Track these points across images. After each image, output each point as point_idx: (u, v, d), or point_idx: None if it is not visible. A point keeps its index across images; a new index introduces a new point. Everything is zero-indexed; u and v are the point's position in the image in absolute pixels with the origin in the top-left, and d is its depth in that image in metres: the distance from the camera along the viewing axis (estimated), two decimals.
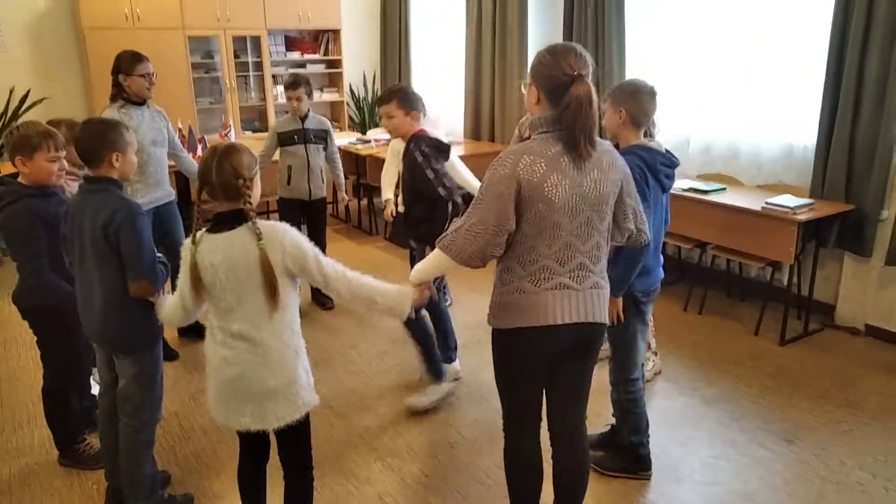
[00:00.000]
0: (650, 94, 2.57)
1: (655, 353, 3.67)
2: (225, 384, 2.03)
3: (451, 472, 2.88)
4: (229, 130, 5.84)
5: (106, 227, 2.23)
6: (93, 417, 2.97)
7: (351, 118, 8.00)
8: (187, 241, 2.01)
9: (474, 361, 3.73)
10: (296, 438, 2.14)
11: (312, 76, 7.05)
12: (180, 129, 5.30)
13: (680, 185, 4.39)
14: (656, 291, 2.71)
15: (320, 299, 4.62)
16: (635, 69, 5.22)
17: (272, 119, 7.28)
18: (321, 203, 4.50)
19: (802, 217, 3.78)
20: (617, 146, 2.38)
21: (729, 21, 4.60)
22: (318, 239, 4.29)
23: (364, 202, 6.72)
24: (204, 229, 1.99)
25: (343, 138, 6.52)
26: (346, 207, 6.84)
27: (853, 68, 3.84)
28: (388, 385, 3.62)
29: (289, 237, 1.98)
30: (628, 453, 2.82)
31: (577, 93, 1.86)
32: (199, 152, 5.34)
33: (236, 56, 7.00)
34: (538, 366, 2.09)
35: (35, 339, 2.80)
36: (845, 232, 4.03)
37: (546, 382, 2.15)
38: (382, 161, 4.48)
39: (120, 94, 3.70)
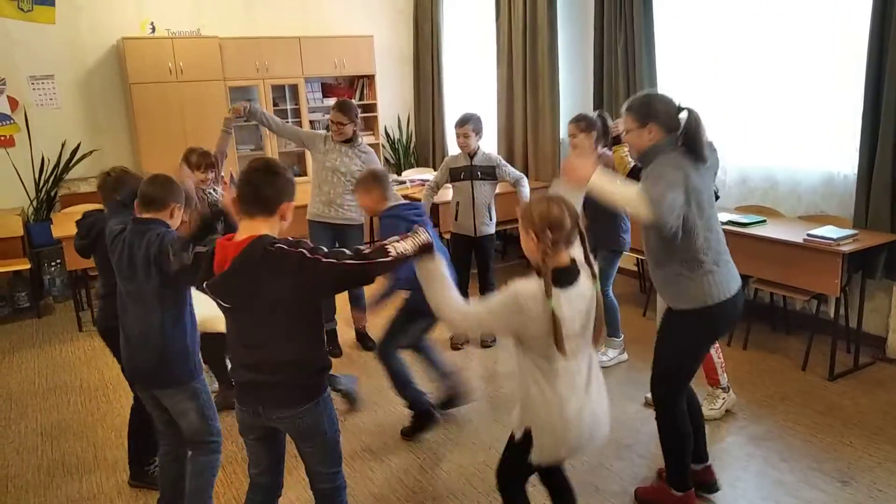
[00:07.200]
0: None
1: (726, 390, 3.56)
2: (575, 426, 2.10)
3: None
4: None
5: (157, 256, 2.42)
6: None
7: (387, 160, 8.13)
8: (533, 292, 2.02)
9: None
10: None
11: None
12: (222, 177, 5.43)
13: (718, 217, 4.33)
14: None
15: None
16: None
17: (310, 164, 7.44)
18: (488, 240, 4.55)
19: (846, 248, 3.70)
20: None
21: (762, 50, 4.58)
22: (486, 276, 4.56)
23: None
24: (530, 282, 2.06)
25: None
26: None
27: (892, 92, 3.78)
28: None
29: None
30: None
31: (693, 116, 2.46)
32: None
33: (275, 104, 7.20)
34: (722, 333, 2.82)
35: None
36: (893, 262, 3.92)
37: None
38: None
39: None
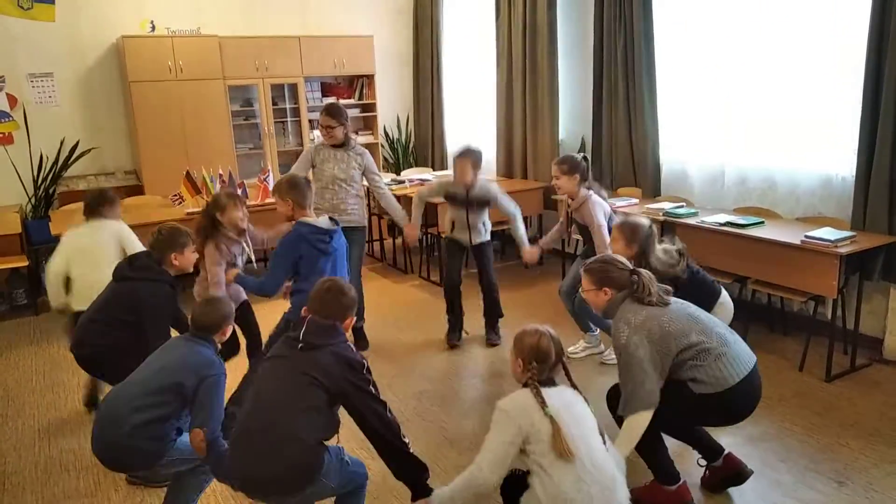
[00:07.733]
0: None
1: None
2: None
3: None
4: (268, 175, 5.98)
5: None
6: None
7: (385, 159, 8.14)
8: (526, 403, 2.18)
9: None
10: None
11: None
12: (220, 175, 5.45)
13: (716, 219, 4.36)
14: None
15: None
16: (666, 103, 5.24)
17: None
18: (485, 246, 4.52)
19: (844, 250, 3.71)
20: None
21: (761, 51, 4.60)
22: (489, 277, 4.52)
23: (399, 241, 6.79)
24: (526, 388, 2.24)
25: None
26: (382, 246, 6.96)
27: (891, 95, 3.79)
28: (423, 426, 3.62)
29: None
30: None
31: (645, 276, 2.63)
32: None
33: (274, 103, 7.21)
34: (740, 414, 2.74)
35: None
36: (890, 264, 3.94)
37: None
38: None
39: None
